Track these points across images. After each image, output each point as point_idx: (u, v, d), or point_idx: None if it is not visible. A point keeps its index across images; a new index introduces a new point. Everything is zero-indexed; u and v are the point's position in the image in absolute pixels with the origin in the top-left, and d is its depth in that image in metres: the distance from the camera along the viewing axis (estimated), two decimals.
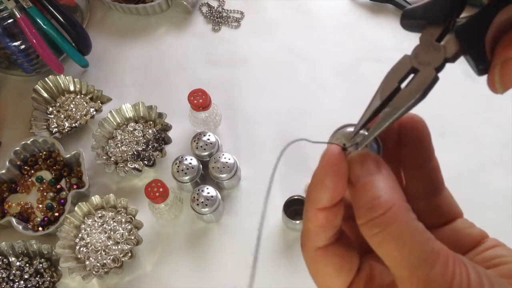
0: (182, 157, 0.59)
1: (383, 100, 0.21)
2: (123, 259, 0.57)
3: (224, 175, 0.58)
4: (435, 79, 0.20)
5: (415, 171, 0.23)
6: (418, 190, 0.23)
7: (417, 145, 0.24)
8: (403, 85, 0.21)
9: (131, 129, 0.65)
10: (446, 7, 0.21)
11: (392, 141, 0.24)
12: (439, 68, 0.20)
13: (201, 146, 0.60)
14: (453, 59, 0.20)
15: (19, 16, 0.63)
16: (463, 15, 0.21)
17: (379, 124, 0.21)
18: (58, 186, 0.64)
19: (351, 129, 0.23)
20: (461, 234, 0.23)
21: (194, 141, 0.60)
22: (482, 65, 0.20)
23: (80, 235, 0.59)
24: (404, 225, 0.19)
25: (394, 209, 0.19)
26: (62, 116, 0.68)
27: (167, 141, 0.64)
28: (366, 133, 0.22)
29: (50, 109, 0.69)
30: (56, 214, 0.61)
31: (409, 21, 0.22)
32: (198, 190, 0.57)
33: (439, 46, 0.21)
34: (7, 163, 0.63)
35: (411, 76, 0.21)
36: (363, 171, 0.21)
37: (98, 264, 0.57)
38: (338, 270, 0.22)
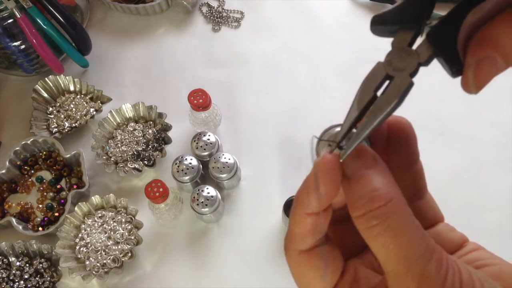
0: (182, 157, 0.59)
1: (361, 109, 0.21)
2: (123, 259, 0.57)
3: (224, 175, 0.58)
4: (410, 85, 0.20)
5: (400, 173, 0.24)
6: (403, 193, 0.23)
7: (404, 147, 0.24)
8: (379, 92, 0.21)
9: (131, 129, 0.65)
10: (416, 10, 0.21)
11: (381, 143, 0.24)
12: (413, 73, 0.20)
13: (201, 146, 0.60)
14: (426, 63, 0.20)
15: (19, 16, 0.63)
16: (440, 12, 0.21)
17: (358, 134, 0.21)
18: (58, 186, 0.64)
19: (339, 129, 0.22)
20: (443, 237, 0.24)
21: (194, 141, 0.60)
22: (455, 67, 0.20)
23: (80, 235, 0.59)
24: (403, 218, 0.19)
25: (394, 201, 0.19)
26: (62, 116, 0.68)
27: (167, 141, 0.64)
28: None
29: (50, 109, 0.69)
30: (56, 214, 0.61)
31: (380, 27, 0.22)
32: (198, 190, 0.57)
33: (411, 51, 0.21)
34: (7, 163, 0.63)
35: (386, 83, 0.21)
36: (360, 164, 0.21)
37: (98, 264, 0.57)
38: (323, 273, 0.22)
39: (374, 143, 0.23)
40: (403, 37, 0.21)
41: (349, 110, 0.22)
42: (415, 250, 0.18)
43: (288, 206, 0.57)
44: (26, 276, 0.57)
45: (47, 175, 0.65)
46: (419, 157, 0.24)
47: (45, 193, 0.63)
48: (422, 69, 0.21)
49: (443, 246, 0.20)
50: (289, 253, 0.22)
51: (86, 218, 0.59)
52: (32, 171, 0.65)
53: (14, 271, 0.57)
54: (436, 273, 0.18)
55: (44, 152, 0.66)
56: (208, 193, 0.57)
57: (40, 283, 0.56)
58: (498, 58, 0.18)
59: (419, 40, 0.21)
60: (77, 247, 0.58)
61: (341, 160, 0.21)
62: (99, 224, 0.59)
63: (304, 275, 0.22)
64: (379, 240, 0.19)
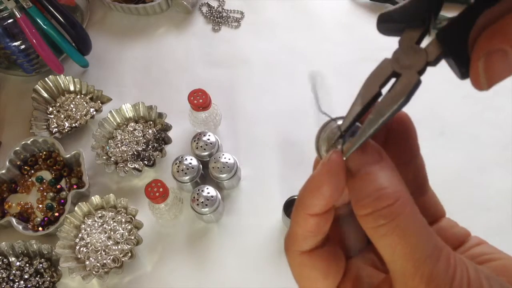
0: (182, 157, 0.59)
1: (364, 105, 0.21)
2: (123, 259, 0.57)
3: (224, 175, 0.58)
4: (418, 83, 0.20)
5: (401, 168, 0.23)
6: None
7: (403, 141, 0.23)
8: (384, 90, 0.21)
9: (131, 129, 0.65)
10: (424, 9, 0.20)
11: (380, 137, 0.23)
12: (421, 71, 0.20)
13: (201, 146, 0.60)
14: (434, 62, 0.20)
15: (19, 16, 0.63)
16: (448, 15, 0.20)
17: (363, 131, 0.20)
18: (58, 186, 0.64)
19: (340, 122, 0.22)
20: (447, 233, 0.23)
21: (194, 141, 0.60)
22: (465, 68, 0.19)
23: (80, 235, 0.59)
24: (411, 217, 0.18)
25: (401, 200, 0.19)
26: (62, 116, 0.68)
27: (167, 141, 0.64)
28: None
29: (50, 109, 0.69)
30: (56, 214, 0.61)
31: (386, 25, 0.22)
32: (198, 190, 0.57)
33: (420, 49, 0.20)
34: (7, 163, 0.63)
35: (392, 80, 0.21)
36: (365, 160, 0.20)
37: (98, 264, 0.57)
38: (325, 274, 0.21)
39: (373, 137, 0.23)
40: (411, 36, 0.21)
41: (352, 104, 0.22)
42: (423, 250, 0.18)
43: (288, 206, 0.57)
44: (26, 276, 0.57)
45: (47, 175, 0.65)
46: (419, 151, 0.24)
47: (45, 193, 0.63)
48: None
49: (447, 241, 0.20)
50: (290, 254, 0.22)
51: (86, 218, 0.59)
52: (32, 171, 0.65)
53: (14, 271, 0.57)
54: (445, 273, 0.18)
55: (44, 152, 0.66)
56: (208, 193, 0.57)
57: (40, 283, 0.56)
58: (510, 52, 0.17)
59: (426, 41, 0.21)
60: (77, 247, 0.58)
61: (344, 158, 0.21)
62: (99, 224, 0.59)
63: (305, 276, 0.22)
64: (386, 240, 0.19)
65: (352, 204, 0.20)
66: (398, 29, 0.21)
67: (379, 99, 0.21)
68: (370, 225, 0.19)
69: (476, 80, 0.19)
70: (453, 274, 0.18)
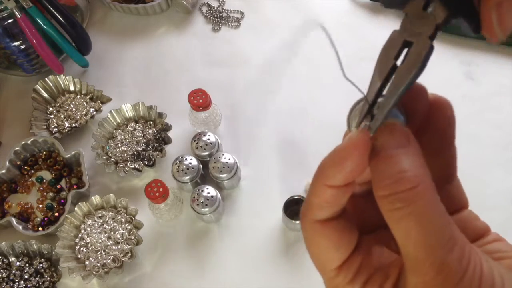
0: (182, 157, 0.59)
1: (382, 79, 0.21)
2: (123, 259, 0.57)
3: (224, 175, 0.58)
4: (431, 49, 0.20)
5: (434, 154, 0.23)
6: (433, 176, 0.21)
7: (442, 127, 0.23)
8: (398, 62, 0.21)
9: (131, 129, 0.65)
10: None
11: (418, 119, 0.22)
12: (432, 36, 0.20)
13: (201, 146, 0.60)
14: (444, 24, 0.20)
15: (19, 16, 0.63)
16: None
17: (383, 105, 0.20)
18: (58, 186, 0.64)
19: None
20: (467, 224, 0.23)
21: (194, 141, 0.60)
22: (475, 23, 0.19)
23: (80, 235, 0.59)
24: (430, 204, 0.18)
25: (422, 185, 0.18)
26: (62, 116, 0.68)
27: (167, 141, 0.64)
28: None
29: (50, 109, 0.69)
30: (56, 214, 0.61)
31: None
32: (198, 190, 0.57)
33: (427, 14, 0.20)
34: (7, 163, 0.63)
35: (405, 51, 0.20)
36: (391, 142, 0.20)
37: (98, 264, 0.57)
38: (336, 245, 0.21)
39: (410, 119, 0.22)
40: (416, 4, 0.20)
41: (371, 82, 0.21)
42: (438, 238, 0.18)
43: (288, 206, 0.57)
44: (26, 276, 0.57)
45: (47, 175, 0.65)
46: (455, 140, 0.23)
47: (45, 193, 0.63)
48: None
49: (466, 233, 0.19)
50: (305, 221, 0.22)
51: (86, 218, 0.59)
52: (32, 171, 0.65)
53: (14, 271, 0.57)
54: (458, 263, 0.18)
55: (44, 152, 0.66)
56: (208, 193, 0.57)
57: (40, 283, 0.56)
58: None
59: (432, 6, 0.20)
60: (77, 247, 0.58)
61: (371, 134, 0.20)
62: (99, 224, 0.59)
63: (317, 245, 0.22)
64: (401, 224, 0.19)
65: (372, 184, 0.20)
66: (402, 1, 0.21)
67: (395, 72, 0.20)
68: (386, 207, 0.19)
69: (490, 32, 0.19)
70: (466, 266, 0.18)
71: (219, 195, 0.57)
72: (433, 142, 0.23)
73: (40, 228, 0.60)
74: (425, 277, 0.18)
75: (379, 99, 0.21)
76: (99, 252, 0.57)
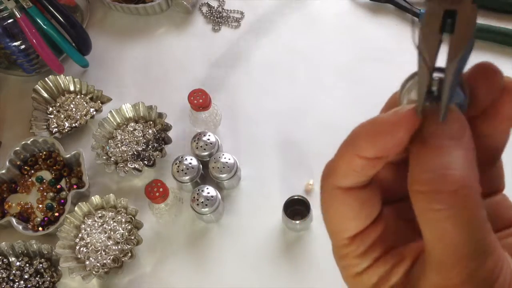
0: (182, 157, 0.59)
1: (432, 57, 0.18)
2: (123, 259, 0.57)
3: (224, 175, 0.58)
4: (476, 13, 0.18)
5: (485, 137, 0.20)
6: (477, 158, 0.19)
7: (502, 111, 0.20)
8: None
9: (131, 129, 0.65)
10: None
11: (482, 105, 0.19)
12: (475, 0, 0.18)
13: (201, 146, 0.60)
14: None
15: (19, 16, 0.63)
16: None
17: (444, 84, 0.18)
18: (58, 186, 0.64)
19: (438, 74, 0.19)
20: (499, 212, 0.21)
21: (194, 141, 0.60)
22: None
23: (80, 235, 0.59)
24: (472, 212, 0.16)
25: (468, 190, 0.16)
26: (62, 116, 0.68)
27: (167, 141, 0.64)
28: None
29: (50, 109, 0.69)
30: (56, 214, 0.61)
31: None
32: (198, 190, 0.57)
33: None
34: (7, 163, 0.63)
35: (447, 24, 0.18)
36: (443, 130, 0.17)
37: (98, 264, 0.57)
38: (355, 215, 0.20)
39: (475, 103, 0.19)
40: None
41: (418, 63, 0.19)
42: (473, 249, 0.16)
43: (288, 206, 0.57)
44: (26, 276, 0.57)
45: (47, 175, 0.65)
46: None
47: (45, 193, 0.63)
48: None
49: (497, 219, 0.18)
50: (325, 185, 0.20)
51: (86, 218, 0.59)
52: (32, 171, 0.65)
53: (14, 271, 0.57)
54: (488, 275, 0.17)
55: (44, 152, 0.66)
56: (208, 193, 0.57)
57: (40, 283, 0.56)
58: None
59: None
60: (77, 247, 0.58)
61: (420, 116, 0.18)
62: (99, 224, 0.59)
63: (334, 211, 0.20)
64: (436, 225, 0.17)
65: (408, 172, 0.18)
66: None
67: (449, 44, 0.18)
68: (421, 205, 0.17)
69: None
70: (497, 276, 0.17)
71: (219, 195, 0.57)
72: (490, 128, 0.20)
73: (40, 228, 0.60)
74: (448, 282, 0.17)
75: (434, 76, 0.19)
76: (99, 252, 0.57)
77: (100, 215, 0.59)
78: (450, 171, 0.16)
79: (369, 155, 0.18)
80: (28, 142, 0.64)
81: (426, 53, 0.18)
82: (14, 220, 0.59)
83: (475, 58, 0.20)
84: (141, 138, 0.64)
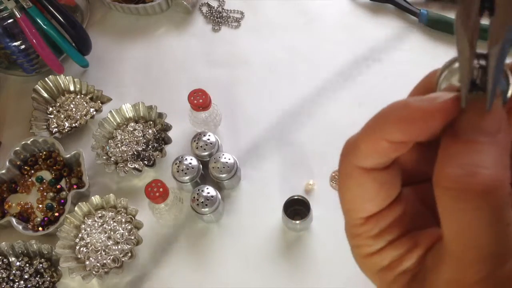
0: (182, 157, 0.59)
1: (472, 41, 0.17)
2: (123, 259, 0.57)
3: (224, 175, 0.58)
4: None
5: None
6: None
7: None
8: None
9: (131, 129, 0.65)
10: None
11: None
12: None
13: (201, 146, 0.60)
14: None
15: (19, 16, 0.63)
16: None
17: (489, 77, 0.17)
18: (58, 186, 0.64)
19: (478, 61, 0.18)
20: None
21: (194, 141, 0.60)
22: None
23: (80, 235, 0.59)
24: (499, 214, 0.16)
25: (497, 191, 0.15)
26: (62, 116, 0.68)
27: (167, 141, 0.64)
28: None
29: (50, 109, 0.69)
30: (56, 214, 0.61)
31: None
32: (198, 190, 0.57)
33: None
34: (7, 163, 0.63)
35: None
36: (479, 124, 0.16)
37: (98, 264, 0.57)
38: (372, 196, 0.19)
39: None
40: None
41: (458, 49, 0.17)
42: (494, 251, 0.16)
43: (288, 206, 0.56)
44: (26, 276, 0.57)
45: (47, 175, 0.65)
46: None
47: (45, 193, 0.63)
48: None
49: None
50: (345, 163, 0.19)
51: (86, 218, 0.59)
52: (32, 171, 0.65)
53: (14, 271, 0.57)
54: (505, 277, 0.16)
55: (44, 152, 0.66)
56: (208, 193, 0.57)
57: (40, 283, 0.56)
58: None
59: None
60: (77, 247, 0.58)
61: (463, 106, 0.17)
62: (99, 224, 0.59)
63: (350, 190, 0.19)
64: (457, 221, 0.16)
65: (436, 163, 0.17)
66: None
67: (490, 28, 0.17)
68: (446, 201, 0.16)
69: None
70: None
71: (219, 195, 0.57)
72: None
73: (40, 228, 0.60)
74: (464, 279, 0.17)
75: (475, 63, 0.17)
76: (99, 252, 0.57)
77: (100, 215, 0.59)
78: (481, 169, 0.15)
79: (396, 140, 0.17)
80: (28, 142, 0.64)
81: (466, 38, 0.17)
82: (14, 220, 0.59)
83: None
84: (141, 138, 0.64)
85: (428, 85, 0.20)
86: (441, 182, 0.16)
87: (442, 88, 0.19)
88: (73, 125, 0.67)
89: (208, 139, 0.60)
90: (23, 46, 0.68)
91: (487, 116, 0.17)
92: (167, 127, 0.64)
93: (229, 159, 0.59)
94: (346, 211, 0.20)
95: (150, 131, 0.65)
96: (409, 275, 0.19)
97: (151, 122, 0.66)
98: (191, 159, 0.59)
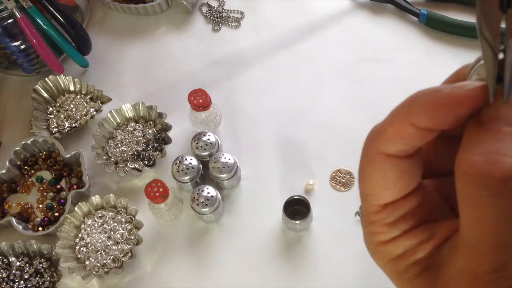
0: (182, 157, 0.59)
1: (496, 35, 0.17)
2: (123, 259, 0.57)
3: (224, 175, 0.58)
4: None
5: None
6: None
7: None
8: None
9: (131, 129, 0.65)
10: None
11: None
12: None
13: (201, 146, 0.60)
14: None
15: (19, 16, 0.63)
16: None
17: (506, 68, 0.17)
18: (58, 186, 0.64)
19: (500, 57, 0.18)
20: None
21: (194, 141, 0.60)
22: None
23: (80, 235, 0.59)
24: None
25: None
26: (62, 116, 0.68)
27: (167, 141, 0.64)
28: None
29: (50, 109, 0.69)
30: (56, 214, 0.61)
31: None
32: (198, 190, 0.57)
33: None
34: (7, 163, 0.63)
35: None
36: (504, 115, 0.17)
37: (98, 264, 0.57)
38: (390, 184, 0.19)
39: None
40: None
41: (481, 43, 0.17)
42: (511, 237, 0.16)
43: (288, 206, 0.57)
44: (26, 276, 0.57)
45: (47, 175, 0.65)
46: None
47: (45, 193, 0.63)
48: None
49: None
50: (368, 147, 0.19)
51: (86, 218, 0.59)
52: (32, 171, 0.65)
53: (14, 271, 0.57)
54: None
55: (44, 152, 0.66)
56: (208, 193, 0.57)
57: (40, 283, 0.56)
58: None
59: None
60: (77, 247, 0.58)
61: (491, 100, 0.17)
62: (99, 224, 0.59)
63: (370, 176, 0.20)
64: (475, 209, 0.16)
65: (459, 151, 0.17)
66: None
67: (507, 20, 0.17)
68: (467, 187, 0.16)
69: None
70: None
71: (219, 195, 0.57)
72: None
73: (40, 228, 0.60)
74: (478, 268, 0.17)
75: (500, 57, 0.17)
76: (99, 252, 0.57)
77: (100, 215, 0.59)
78: (503, 157, 0.16)
79: (422, 125, 0.17)
80: (28, 142, 0.64)
81: (488, 33, 0.17)
82: (14, 220, 0.59)
83: None
84: (141, 138, 0.64)
85: (460, 77, 0.20)
86: (463, 168, 0.16)
87: (472, 79, 0.19)
88: (73, 125, 0.67)
89: (208, 139, 0.60)
90: (23, 46, 0.68)
91: (511, 106, 0.17)
92: (167, 127, 0.64)
93: (229, 159, 0.59)
94: (364, 197, 0.20)
95: (150, 131, 0.65)
96: (422, 266, 0.19)
97: (151, 122, 0.66)
98: (191, 159, 0.59)
